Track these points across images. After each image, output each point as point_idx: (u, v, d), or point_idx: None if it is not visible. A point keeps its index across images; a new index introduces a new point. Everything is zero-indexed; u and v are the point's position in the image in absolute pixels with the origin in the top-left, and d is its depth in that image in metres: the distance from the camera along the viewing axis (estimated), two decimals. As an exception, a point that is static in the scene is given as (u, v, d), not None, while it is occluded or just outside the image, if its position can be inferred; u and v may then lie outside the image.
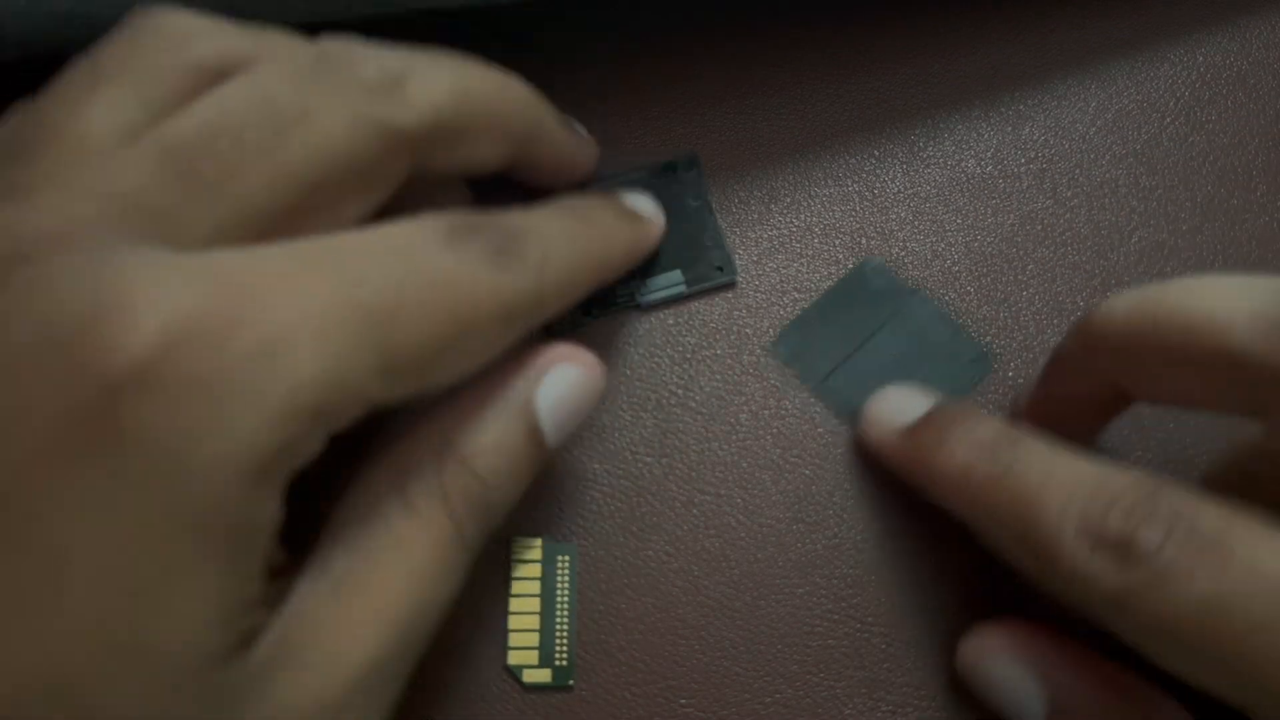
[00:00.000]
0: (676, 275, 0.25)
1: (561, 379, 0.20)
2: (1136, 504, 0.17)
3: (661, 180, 0.26)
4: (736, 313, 0.25)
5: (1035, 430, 0.20)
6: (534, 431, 0.20)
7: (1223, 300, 0.17)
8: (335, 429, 0.16)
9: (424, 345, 0.16)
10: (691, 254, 0.25)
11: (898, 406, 0.23)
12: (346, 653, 0.17)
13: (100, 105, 0.17)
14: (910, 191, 0.26)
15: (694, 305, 0.25)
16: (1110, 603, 0.17)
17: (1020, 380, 0.25)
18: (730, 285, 0.25)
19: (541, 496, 0.24)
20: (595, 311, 0.25)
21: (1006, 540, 0.19)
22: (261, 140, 0.17)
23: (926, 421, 0.21)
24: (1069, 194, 0.26)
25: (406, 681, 0.18)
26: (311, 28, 0.22)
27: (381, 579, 0.17)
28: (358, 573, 0.17)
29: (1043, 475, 0.18)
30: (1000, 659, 0.21)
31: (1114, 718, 0.19)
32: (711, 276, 0.25)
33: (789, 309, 0.25)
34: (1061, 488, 0.18)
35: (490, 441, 0.19)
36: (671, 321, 0.25)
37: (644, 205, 0.24)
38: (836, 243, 0.26)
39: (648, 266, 0.25)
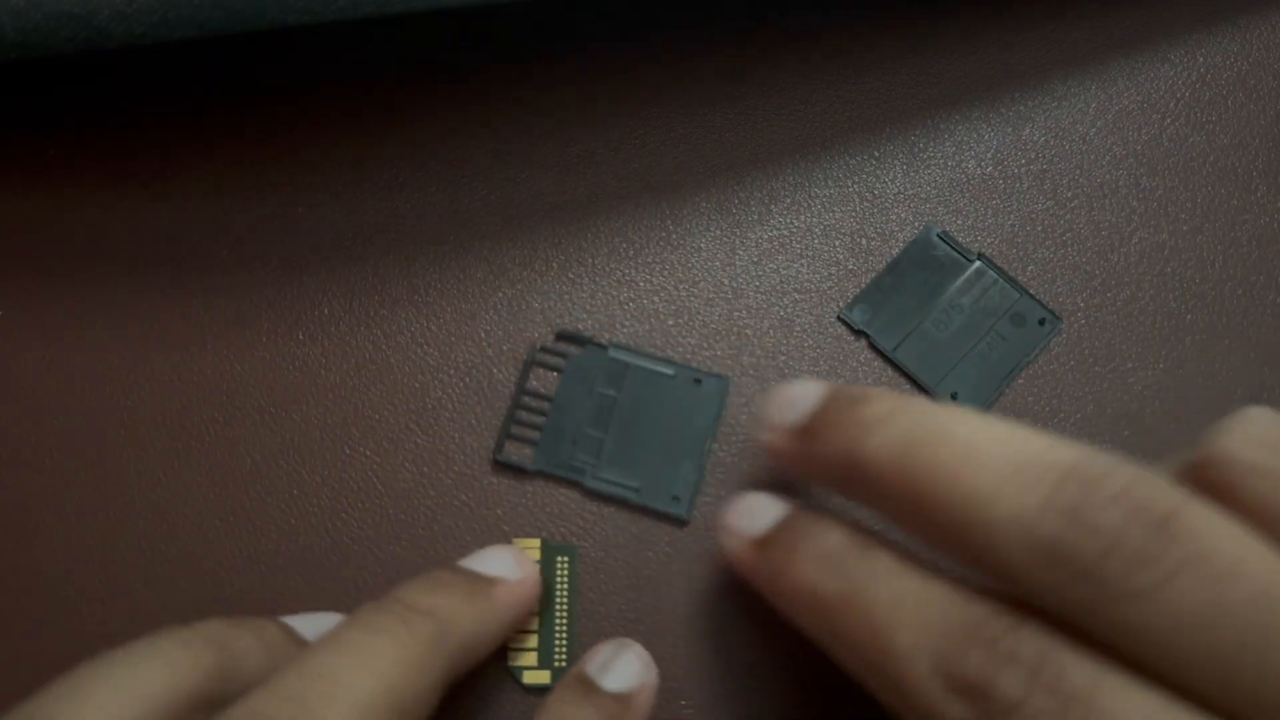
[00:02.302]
0: (635, 480, 0.24)
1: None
2: (996, 640, 0.16)
3: (679, 383, 0.24)
4: (736, 313, 0.25)
5: (886, 541, 0.18)
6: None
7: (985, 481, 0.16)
8: None
9: None
10: (664, 468, 0.24)
11: (750, 514, 0.20)
12: None
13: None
14: (910, 192, 0.26)
15: (693, 305, 0.25)
16: None
17: (1020, 382, 0.25)
18: (677, 522, 0.24)
19: (541, 497, 0.24)
20: (545, 468, 0.24)
21: (860, 668, 0.18)
22: None
23: (776, 533, 0.20)
24: (1069, 195, 0.26)
25: None
26: (311, 28, 0.22)
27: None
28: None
29: (894, 601, 0.17)
30: None
31: None
32: (664, 503, 0.24)
33: (789, 309, 0.25)
34: (915, 615, 0.16)
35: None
36: (671, 323, 0.25)
37: (497, 564, 0.21)
38: (837, 243, 0.26)
39: (616, 444, 0.24)
